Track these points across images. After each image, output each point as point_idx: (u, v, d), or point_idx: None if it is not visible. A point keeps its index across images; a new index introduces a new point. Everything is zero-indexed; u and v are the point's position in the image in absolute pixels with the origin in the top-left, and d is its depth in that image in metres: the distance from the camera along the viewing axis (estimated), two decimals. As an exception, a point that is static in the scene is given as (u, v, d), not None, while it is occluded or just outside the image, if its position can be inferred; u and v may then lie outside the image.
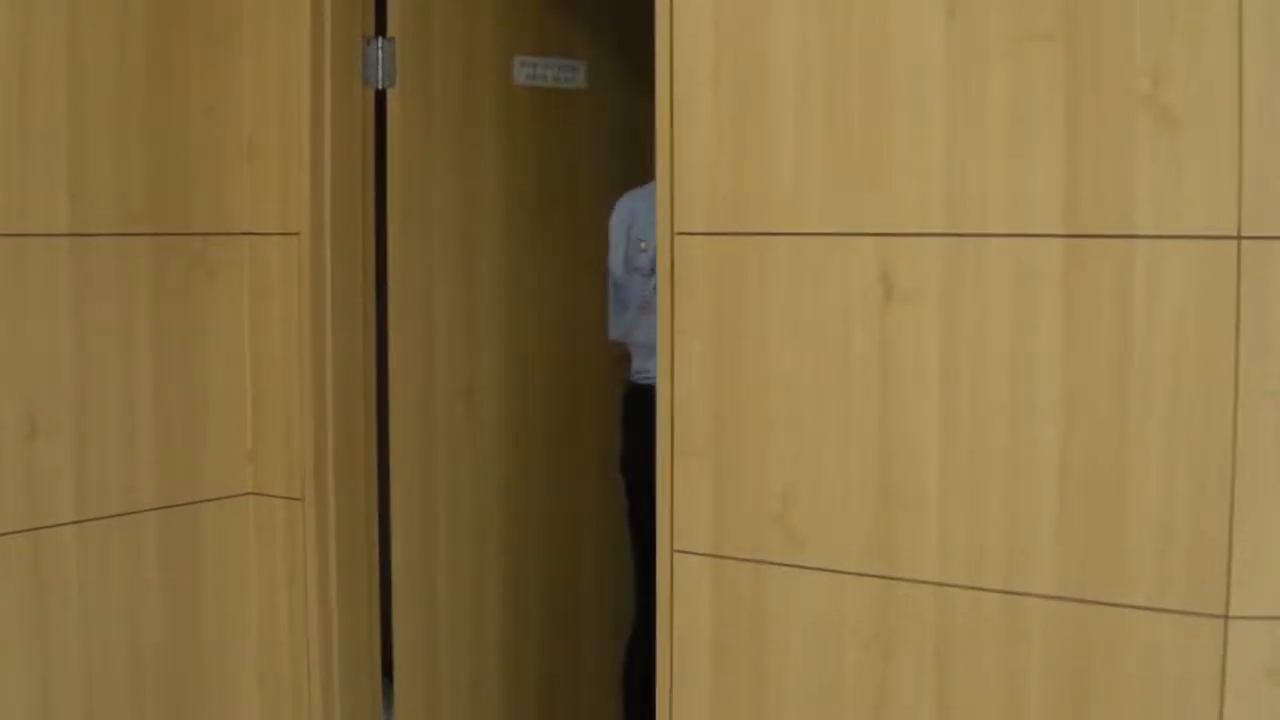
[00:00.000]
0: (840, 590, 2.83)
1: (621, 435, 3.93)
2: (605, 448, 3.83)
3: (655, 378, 3.09)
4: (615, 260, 3.90)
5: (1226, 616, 2.50)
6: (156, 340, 3.53)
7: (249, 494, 3.71)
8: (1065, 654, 2.64)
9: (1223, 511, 2.50)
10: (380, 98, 3.70)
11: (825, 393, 2.82)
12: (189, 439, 3.60)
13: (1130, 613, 2.58)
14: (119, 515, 3.46)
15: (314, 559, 3.62)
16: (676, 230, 2.95)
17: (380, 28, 3.68)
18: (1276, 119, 2.44)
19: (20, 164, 3.24)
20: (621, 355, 3.94)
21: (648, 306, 3.66)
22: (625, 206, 3.91)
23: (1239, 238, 2.47)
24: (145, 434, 3.51)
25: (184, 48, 3.55)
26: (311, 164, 3.55)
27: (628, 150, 3.83)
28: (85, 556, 3.40)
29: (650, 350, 3.49)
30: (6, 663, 3.28)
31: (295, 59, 3.57)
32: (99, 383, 3.41)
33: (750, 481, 2.91)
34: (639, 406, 3.71)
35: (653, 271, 3.28)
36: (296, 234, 3.56)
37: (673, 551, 3.00)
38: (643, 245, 3.77)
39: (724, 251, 2.91)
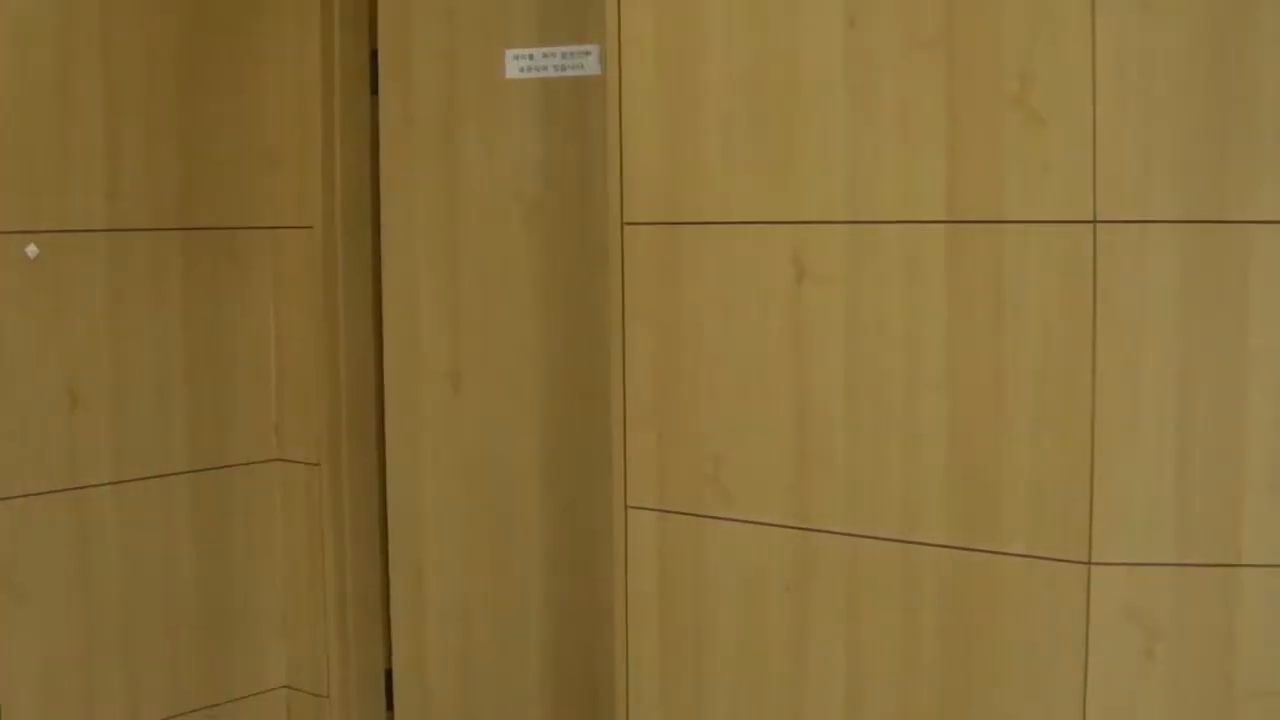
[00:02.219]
0: (765, 541, 3.11)
1: None
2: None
3: None
4: None
5: (1090, 563, 2.74)
6: (187, 324, 3.91)
7: (275, 460, 4.11)
8: (953, 597, 2.90)
9: (1084, 467, 2.73)
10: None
11: (748, 365, 3.11)
12: (219, 410, 3.99)
13: (1007, 560, 2.83)
14: (153, 477, 3.85)
15: (330, 519, 4.00)
16: (625, 221, 3.25)
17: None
18: (1126, 116, 2.67)
19: (61, 168, 3.63)
20: None
21: None
22: None
23: (1094, 222, 2.70)
24: (177, 406, 3.90)
25: (211, 62, 3.93)
26: (323, 165, 3.92)
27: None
28: (122, 513, 3.79)
29: None
30: (53, 607, 3.68)
31: (309, 72, 3.94)
32: (134, 361, 3.80)
33: (688, 444, 3.20)
34: None
35: None
36: (310, 227, 3.94)
37: (626, 507, 3.31)
38: None
39: (663, 240, 3.20)
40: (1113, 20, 2.68)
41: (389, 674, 4.18)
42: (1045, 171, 2.75)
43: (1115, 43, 2.68)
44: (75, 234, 3.67)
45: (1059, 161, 2.74)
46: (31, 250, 3.59)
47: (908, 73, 2.89)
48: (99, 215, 3.71)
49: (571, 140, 3.77)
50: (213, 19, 3.93)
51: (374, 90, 4.01)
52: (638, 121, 3.22)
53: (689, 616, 3.24)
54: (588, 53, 3.72)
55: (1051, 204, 2.75)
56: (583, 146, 3.75)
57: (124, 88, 3.75)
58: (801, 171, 3.02)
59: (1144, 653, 2.74)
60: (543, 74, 3.71)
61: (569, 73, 3.74)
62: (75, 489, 3.70)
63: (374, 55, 4.01)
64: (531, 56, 3.75)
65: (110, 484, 3.76)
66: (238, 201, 4.01)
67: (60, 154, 3.64)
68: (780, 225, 3.05)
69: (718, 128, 3.12)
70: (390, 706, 4.16)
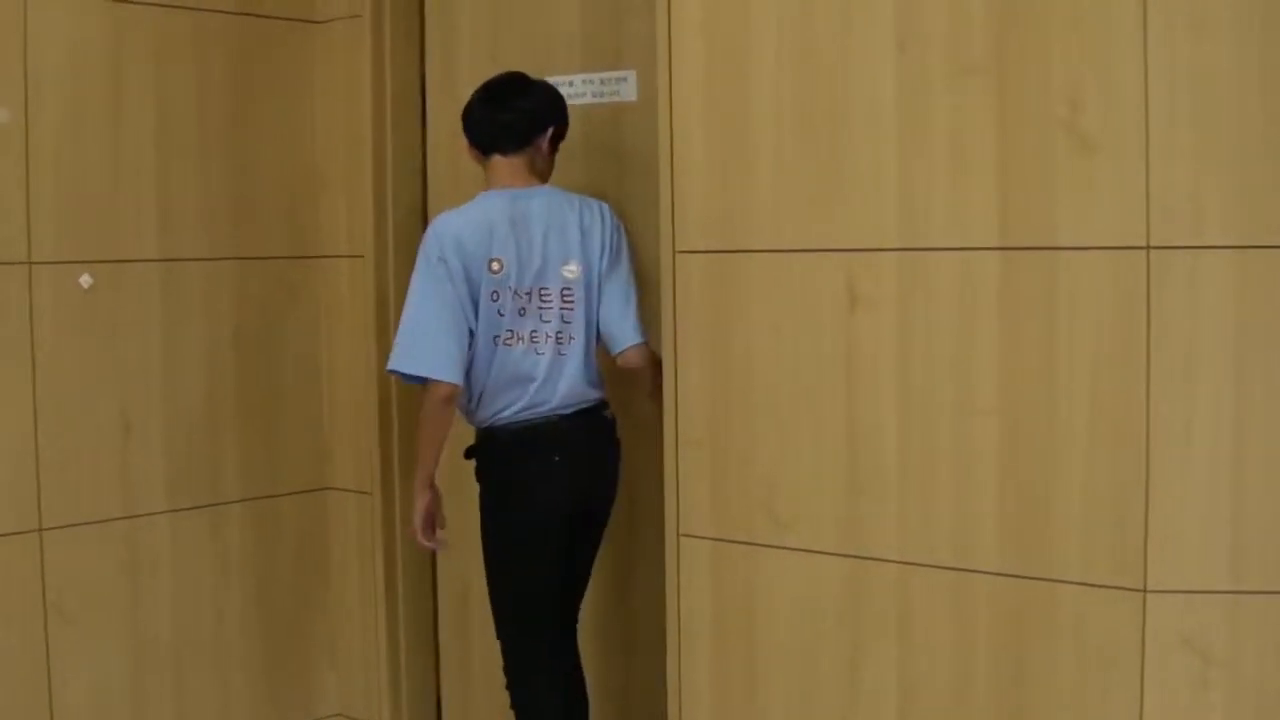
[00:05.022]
0: (818, 568, 3.11)
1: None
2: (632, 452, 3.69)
3: (519, 413, 3.44)
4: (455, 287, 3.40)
5: (1145, 590, 2.73)
6: (239, 353, 3.97)
7: (326, 489, 4.14)
8: (1006, 624, 2.89)
9: (1139, 495, 2.73)
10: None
11: (800, 391, 3.11)
12: (270, 439, 4.04)
13: (1061, 587, 2.82)
14: (205, 506, 3.89)
15: (380, 547, 4.03)
16: (677, 249, 3.27)
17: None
18: (1178, 141, 2.67)
19: (114, 199, 3.70)
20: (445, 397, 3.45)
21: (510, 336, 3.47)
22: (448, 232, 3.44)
23: (1148, 248, 2.70)
24: (229, 435, 3.95)
25: (262, 93, 4.00)
26: (374, 195, 3.96)
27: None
28: (175, 542, 3.83)
29: (507, 385, 3.47)
30: (106, 634, 3.73)
31: (359, 103, 3.98)
32: (187, 391, 3.86)
33: (740, 472, 3.21)
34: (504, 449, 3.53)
35: (514, 294, 3.41)
36: (362, 256, 3.97)
37: (679, 535, 3.31)
38: (495, 266, 3.42)
39: (715, 267, 3.21)
40: (1164, 43, 2.68)
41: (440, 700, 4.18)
42: (1097, 196, 2.75)
43: (1167, 66, 2.68)
44: (128, 264, 3.73)
45: (1111, 186, 2.74)
46: (85, 280, 3.63)
47: (958, 98, 2.89)
48: (151, 245, 3.77)
49: (610, 165, 3.80)
50: (263, 50, 4.00)
51: (422, 121, 4.04)
52: (689, 150, 3.24)
53: (741, 644, 3.24)
54: (624, 79, 3.76)
55: (1104, 229, 2.75)
56: (620, 171, 3.78)
57: (176, 118, 3.82)
58: (853, 198, 3.03)
59: (1200, 680, 2.72)
60: (582, 100, 3.73)
61: (606, 99, 3.79)
62: (129, 517, 3.74)
63: (423, 84, 4.05)
64: (572, 84, 3.78)
65: (164, 512, 3.80)
66: (289, 231, 4.07)
67: (113, 185, 3.71)
68: (832, 252, 3.06)
69: (769, 155, 3.14)
70: (441, 732, 4.18)
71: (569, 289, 3.46)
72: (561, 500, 3.51)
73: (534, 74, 3.60)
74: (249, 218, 3.98)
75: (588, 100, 3.76)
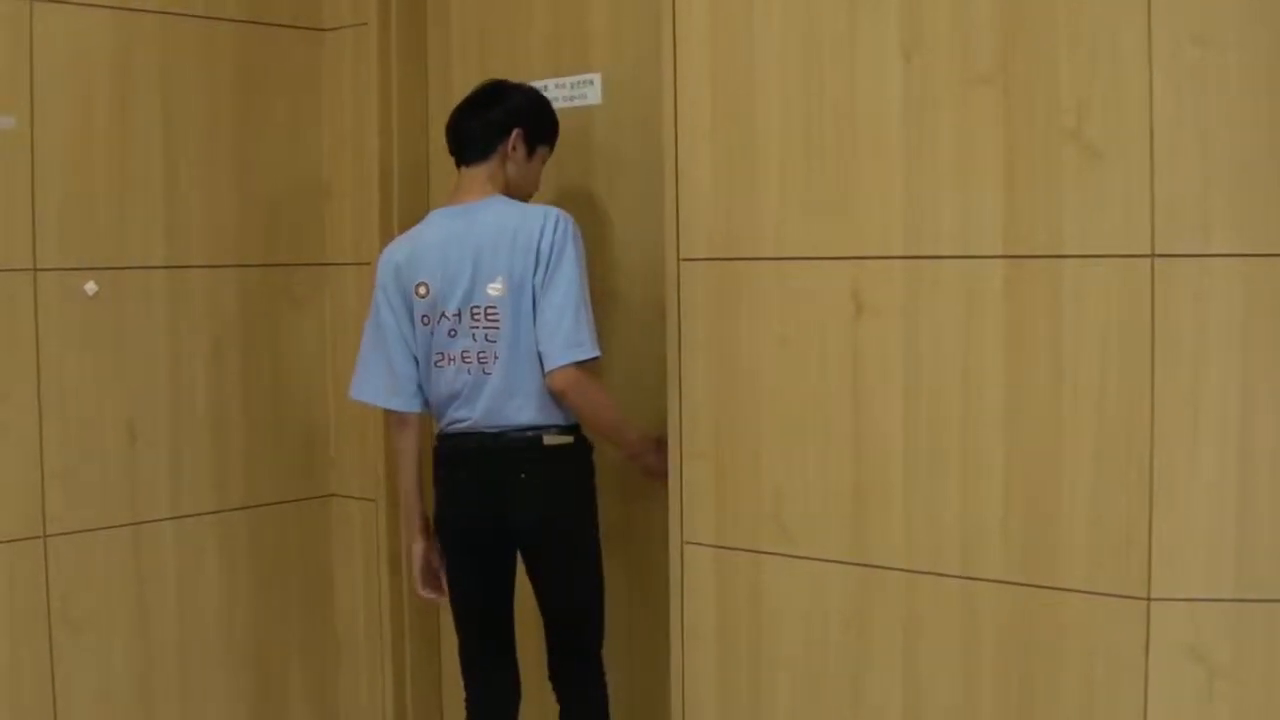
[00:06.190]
0: (824, 577, 3.11)
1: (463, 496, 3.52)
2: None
3: (447, 427, 3.46)
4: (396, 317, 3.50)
5: (1149, 599, 2.73)
6: (245, 360, 3.98)
7: (331, 496, 4.15)
8: (1013, 631, 2.89)
9: (1144, 503, 2.72)
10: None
11: (806, 400, 3.11)
12: (275, 446, 4.05)
13: (1066, 595, 2.81)
14: (210, 513, 3.90)
15: (384, 554, 4.03)
16: (682, 257, 3.27)
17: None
18: (1183, 149, 2.67)
19: (120, 207, 3.71)
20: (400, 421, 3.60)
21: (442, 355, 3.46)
22: (389, 260, 3.53)
23: (1153, 256, 2.70)
24: (235, 442, 3.96)
25: (266, 104, 4.01)
26: (380, 201, 3.95)
27: (648, 164, 3.48)
28: (180, 549, 3.84)
29: (443, 402, 3.48)
30: (111, 640, 3.73)
31: (365, 111, 3.99)
32: (192, 397, 3.87)
33: (747, 481, 3.21)
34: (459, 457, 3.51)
35: (443, 316, 3.41)
36: (367, 264, 3.97)
37: (683, 543, 3.32)
38: (421, 290, 3.45)
39: (720, 275, 3.21)
40: (1169, 53, 2.68)
41: (443, 710, 4.19)
42: (1103, 205, 2.75)
43: (1172, 75, 2.68)
44: (134, 270, 3.73)
45: (1117, 195, 2.74)
46: (90, 287, 3.64)
47: (964, 107, 2.89)
48: (157, 252, 3.77)
49: (579, 169, 3.80)
50: (269, 58, 4.00)
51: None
52: (694, 158, 3.25)
53: (746, 652, 3.24)
54: (590, 82, 3.77)
55: (1109, 238, 2.75)
56: (587, 175, 3.79)
57: (182, 126, 3.82)
58: (859, 206, 3.03)
59: (1205, 690, 2.72)
60: (555, 104, 3.70)
61: (575, 103, 3.79)
62: (134, 524, 3.74)
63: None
64: (545, 88, 3.76)
65: (169, 519, 3.80)
66: (294, 238, 4.08)
67: (118, 192, 3.71)
68: (838, 260, 3.06)
69: (774, 161, 3.14)
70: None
71: (493, 307, 3.38)
72: (469, 516, 3.49)
73: (516, 79, 3.62)
74: (254, 225, 3.98)
75: (559, 104, 3.74)
